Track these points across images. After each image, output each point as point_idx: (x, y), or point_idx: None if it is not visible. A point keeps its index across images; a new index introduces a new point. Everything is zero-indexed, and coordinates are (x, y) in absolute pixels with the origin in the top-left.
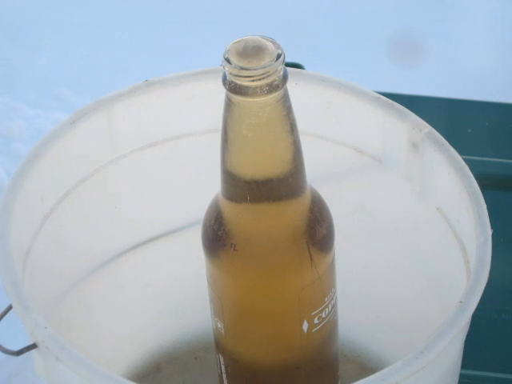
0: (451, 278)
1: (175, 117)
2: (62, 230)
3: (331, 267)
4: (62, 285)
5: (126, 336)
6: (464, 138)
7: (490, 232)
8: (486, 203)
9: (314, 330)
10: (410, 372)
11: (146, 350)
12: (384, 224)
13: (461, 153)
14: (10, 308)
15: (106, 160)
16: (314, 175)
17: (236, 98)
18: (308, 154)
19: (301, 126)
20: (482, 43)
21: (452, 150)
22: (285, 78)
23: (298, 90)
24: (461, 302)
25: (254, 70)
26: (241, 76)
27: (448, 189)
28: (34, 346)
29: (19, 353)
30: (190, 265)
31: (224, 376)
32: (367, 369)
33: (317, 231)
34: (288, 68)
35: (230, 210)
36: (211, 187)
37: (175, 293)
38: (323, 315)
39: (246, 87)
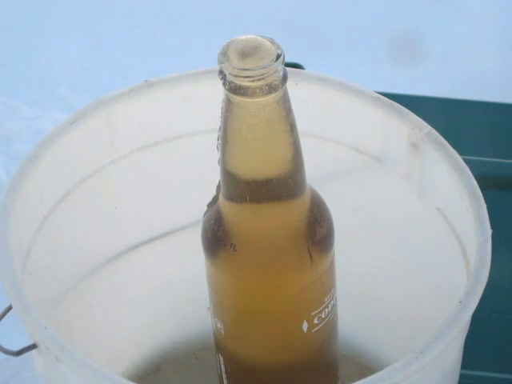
0: (451, 278)
1: (175, 117)
2: (62, 230)
3: (331, 267)
4: (62, 285)
5: (126, 336)
6: (464, 138)
7: (489, 232)
8: (486, 203)
9: (313, 330)
10: (410, 372)
11: (146, 350)
12: (384, 224)
13: (461, 153)
14: (10, 308)
15: (106, 160)
16: (314, 175)
17: (236, 98)
18: (308, 154)
19: (301, 126)
20: (481, 43)
21: (452, 150)
22: (285, 78)
23: (297, 90)
24: (461, 302)
25: (254, 70)
26: (240, 76)
27: (448, 189)
28: (34, 346)
29: (19, 353)
30: (189, 265)
31: (224, 376)
32: (367, 369)
33: (317, 231)
34: (288, 68)
35: (229, 210)
36: (211, 187)
37: (175, 293)
38: (323, 315)
39: (246, 87)
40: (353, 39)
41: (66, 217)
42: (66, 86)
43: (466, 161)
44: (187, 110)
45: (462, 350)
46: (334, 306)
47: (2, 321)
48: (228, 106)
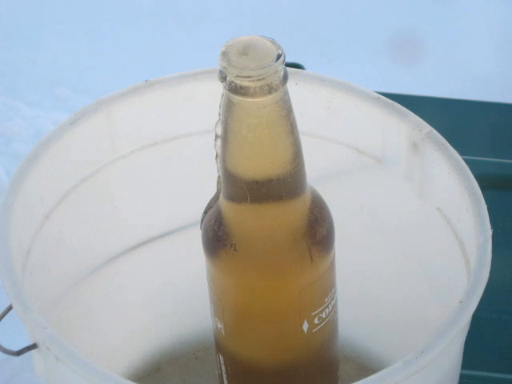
0: (451, 278)
1: (175, 117)
2: (62, 230)
3: (331, 267)
4: (62, 285)
5: (126, 336)
6: (464, 138)
7: (490, 232)
8: (486, 203)
9: (314, 331)
10: (410, 372)
11: (146, 350)
12: (384, 224)
13: (461, 153)
14: (10, 308)
15: (106, 160)
16: (314, 175)
17: (236, 98)
18: (308, 154)
19: (301, 126)
20: (481, 43)
21: (452, 150)
22: (285, 78)
23: (298, 90)
24: (461, 302)
25: (254, 70)
26: (241, 76)
27: (448, 189)
28: (34, 346)
29: (19, 353)
30: (190, 265)
31: (224, 376)
32: (367, 369)
33: (317, 231)
34: (288, 68)
35: (230, 210)
36: (211, 187)
37: (175, 293)
38: (323, 315)
39: (247, 87)
40: (353, 39)
41: (66, 217)
42: (66, 86)
43: (466, 161)
44: (187, 110)
45: (462, 349)
46: (334, 306)
47: (2, 321)
48: (228, 106)
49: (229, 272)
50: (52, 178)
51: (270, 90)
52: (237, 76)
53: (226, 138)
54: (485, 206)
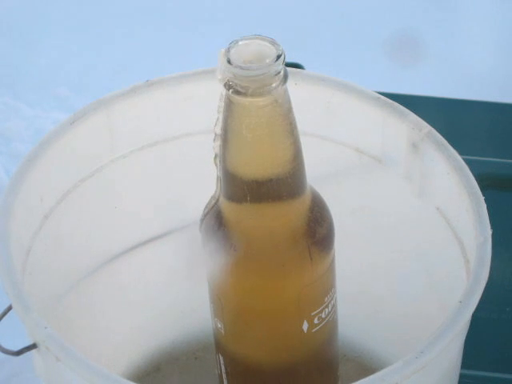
0: (451, 277)
1: (175, 117)
2: (62, 230)
3: (331, 267)
4: (62, 285)
5: (126, 336)
6: (464, 138)
7: (489, 232)
8: (486, 203)
9: (313, 330)
10: (410, 372)
11: (146, 350)
12: (384, 224)
13: (461, 153)
14: (10, 308)
15: (106, 160)
16: (314, 175)
17: (236, 98)
18: (308, 154)
19: (301, 126)
20: (481, 43)
21: (452, 150)
22: (285, 78)
23: (297, 90)
24: (461, 302)
25: (254, 70)
26: (241, 76)
27: (448, 189)
28: (34, 346)
29: (19, 353)
30: (189, 265)
31: (224, 376)
32: (367, 369)
33: (317, 231)
34: (288, 68)
35: (229, 210)
36: (211, 187)
37: (175, 293)
38: (323, 315)
39: (246, 87)
40: (353, 39)
41: (66, 217)
42: (66, 86)
43: (466, 161)
44: (187, 110)
45: (462, 349)
46: (334, 305)
47: (2, 321)
48: (228, 106)
49: (229, 272)
50: (52, 178)
51: (270, 89)
52: (237, 76)
53: (225, 137)
54: (484, 206)
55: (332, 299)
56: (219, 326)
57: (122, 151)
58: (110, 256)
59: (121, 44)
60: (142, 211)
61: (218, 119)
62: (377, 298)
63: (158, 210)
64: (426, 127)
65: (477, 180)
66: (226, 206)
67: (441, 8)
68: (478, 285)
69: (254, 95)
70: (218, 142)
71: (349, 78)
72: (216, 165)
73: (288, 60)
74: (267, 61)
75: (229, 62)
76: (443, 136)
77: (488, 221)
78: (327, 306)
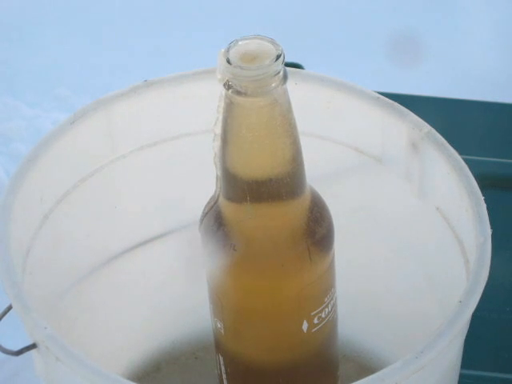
0: (451, 277)
1: (175, 117)
2: (62, 230)
3: (331, 267)
4: (62, 284)
5: (125, 336)
6: (464, 138)
7: (489, 232)
8: (486, 203)
9: (313, 330)
10: (410, 372)
11: (146, 350)
12: (384, 224)
13: (461, 153)
14: (10, 308)
15: (106, 160)
16: (314, 175)
17: (235, 98)
18: (308, 154)
19: (301, 126)
20: (481, 43)
21: (452, 150)
22: (285, 78)
23: (297, 90)
24: (461, 301)
25: (254, 70)
26: (241, 76)
27: (448, 189)
28: (33, 346)
29: (19, 353)
30: (189, 265)
31: (224, 376)
32: (367, 369)
33: (316, 231)
34: (288, 68)
35: (229, 209)
36: (211, 187)
37: (175, 293)
38: (323, 315)
39: (246, 87)
40: (353, 39)
41: (66, 216)
42: (66, 86)
43: (466, 161)
44: (187, 110)
45: (462, 349)
46: (334, 305)
47: (2, 321)
48: (228, 106)
49: (228, 272)
50: (52, 178)
51: (270, 89)
52: (236, 76)
53: (225, 137)
54: (484, 206)
55: (332, 299)
56: (219, 326)
57: (122, 151)
58: (109, 256)
59: (121, 44)
60: (142, 211)
61: (217, 119)
62: (377, 298)
63: (158, 210)
64: (426, 127)
65: (477, 180)
66: (226, 206)
67: (441, 8)
68: (478, 285)
69: (253, 95)
70: (218, 142)
71: (349, 78)
72: (216, 165)
73: (288, 60)
74: (267, 61)
75: (228, 61)
76: (443, 136)
77: (488, 221)
78: (327, 306)
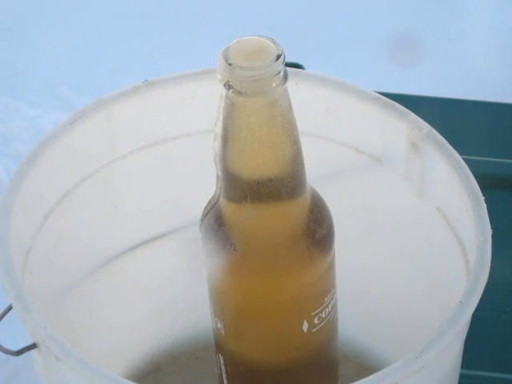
0: (451, 277)
1: (175, 117)
2: (62, 230)
3: (331, 267)
4: (62, 284)
5: (126, 336)
6: (464, 138)
7: (489, 232)
8: (486, 203)
9: (313, 330)
10: (410, 372)
11: (146, 350)
12: (384, 224)
13: (461, 153)
14: (10, 308)
15: (106, 160)
16: (314, 175)
17: (236, 98)
18: (308, 154)
19: (301, 126)
20: (481, 43)
21: (452, 150)
22: (285, 78)
23: (298, 90)
24: (461, 302)
25: (254, 70)
26: (241, 76)
27: (448, 189)
28: (33, 346)
29: (19, 353)
30: (189, 265)
31: (224, 376)
32: (367, 369)
33: (317, 231)
34: (288, 68)
35: (229, 210)
36: (211, 187)
37: (175, 293)
38: (323, 315)
39: (246, 87)
40: (353, 39)
41: (66, 216)
42: (66, 86)
43: (466, 161)
44: (187, 110)
45: (462, 349)
46: (334, 305)
47: (2, 321)
48: (228, 106)
49: (229, 272)
50: (52, 178)
51: (270, 90)
52: (237, 76)
53: (225, 138)
54: (485, 206)
55: (332, 299)
56: (219, 326)
57: (122, 151)
58: (109, 256)
59: (121, 44)
60: (142, 211)
61: (217, 119)
62: (377, 298)
63: (158, 209)
64: (426, 127)
65: (477, 180)
66: (226, 206)
67: (441, 8)
68: (478, 285)
69: (254, 95)
70: (218, 142)
71: (349, 78)
72: (216, 165)
73: (288, 60)
74: (267, 61)
75: (229, 62)
76: (443, 136)
77: (488, 221)
78: (327, 306)
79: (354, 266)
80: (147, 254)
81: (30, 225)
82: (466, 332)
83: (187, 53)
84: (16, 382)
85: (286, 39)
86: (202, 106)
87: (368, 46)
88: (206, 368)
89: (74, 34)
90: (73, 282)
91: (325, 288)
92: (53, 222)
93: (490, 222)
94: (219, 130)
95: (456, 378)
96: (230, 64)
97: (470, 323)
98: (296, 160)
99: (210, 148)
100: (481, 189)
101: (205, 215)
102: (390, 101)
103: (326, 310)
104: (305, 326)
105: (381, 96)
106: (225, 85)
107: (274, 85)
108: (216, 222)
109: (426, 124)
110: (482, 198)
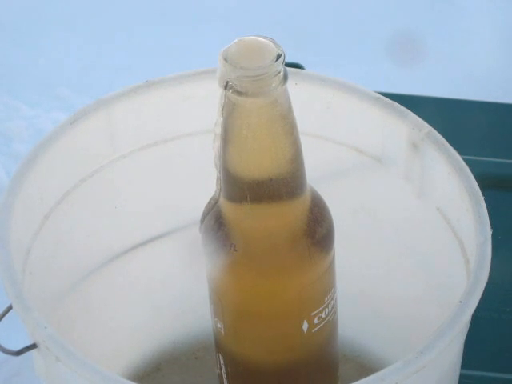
0: (451, 277)
1: (175, 117)
2: (62, 230)
3: (331, 267)
4: (62, 284)
5: (126, 336)
6: (464, 138)
7: (489, 232)
8: (486, 203)
9: (313, 330)
10: (410, 372)
11: (146, 350)
12: (384, 224)
13: (461, 153)
14: (10, 308)
15: (106, 160)
16: (314, 175)
17: (236, 98)
18: (308, 154)
19: (301, 126)
20: (482, 43)
21: (452, 150)
22: (285, 78)
23: (298, 90)
24: (461, 302)
25: (254, 70)
26: (241, 76)
27: (448, 189)
28: (33, 346)
29: (19, 353)
30: (189, 265)
31: (224, 376)
32: (367, 369)
33: (317, 231)
34: (288, 68)
35: (229, 210)
36: (211, 187)
37: (175, 293)
38: (323, 315)
39: (246, 88)
40: (353, 39)
41: (66, 217)
42: (66, 86)
43: (466, 161)
44: (187, 110)
45: (462, 349)
46: (334, 305)
47: (2, 321)
48: (228, 107)
49: (229, 272)
50: (52, 178)
51: (270, 90)
52: (237, 76)
53: (225, 138)
54: (485, 206)
55: (332, 299)
56: (219, 326)
57: (122, 151)
58: (109, 256)
59: (121, 44)
60: (142, 211)
61: (218, 119)
62: (377, 298)
63: (158, 209)
64: (426, 127)
65: (477, 180)
66: (226, 207)
67: (441, 8)
68: (478, 285)
69: (253, 95)
70: (218, 143)
71: (349, 78)
72: (216, 165)
73: (288, 60)
74: (267, 61)
75: (229, 62)
76: (443, 136)
77: (488, 221)
78: (327, 306)
79: (353, 266)
80: (147, 254)
81: (30, 225)
82: (466, 332)
83: (187, 53)
84: (16, 382)
85: (286, 39)
86: (202, 106)
87: (368, 45)
88: (206, 368)
89: (74, 34)
90: (73, 281)
91: (325, 288)
92: (53, 222)
93: (490, 222)
94: (219, 130)
95: (456, 378)
96: (230, 64)
97: (470, 323)
98: (296, 160)
99: (210, 148)
100: (481, 189)
101: (205, 215)
102: (390, 101)
103: (326, 310)
104: (305, 326)
105: (381, 96)
106: (225, 85)
107: (273, 85)
108: (216, 223)
109: (425, 124)
110: (482, 198)
